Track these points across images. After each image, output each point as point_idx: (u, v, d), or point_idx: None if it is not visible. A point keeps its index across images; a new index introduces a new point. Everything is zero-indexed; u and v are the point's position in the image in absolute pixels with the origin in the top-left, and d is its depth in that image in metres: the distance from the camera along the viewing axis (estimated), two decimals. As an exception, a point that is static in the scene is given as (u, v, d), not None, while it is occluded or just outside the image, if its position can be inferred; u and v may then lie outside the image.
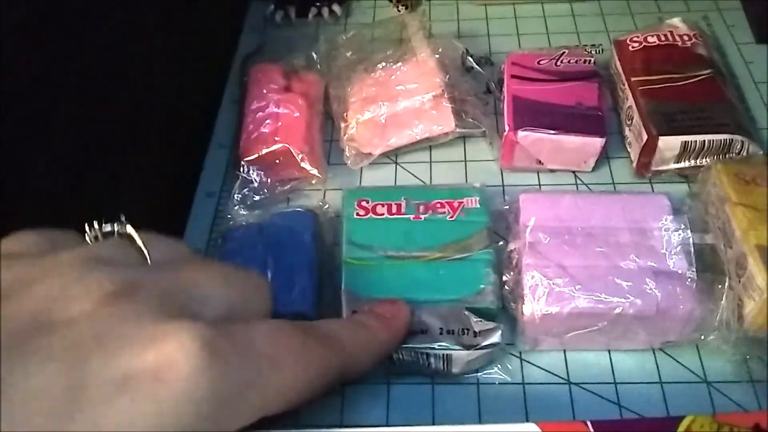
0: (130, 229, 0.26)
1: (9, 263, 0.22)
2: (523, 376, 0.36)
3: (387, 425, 0.35)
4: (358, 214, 0.40)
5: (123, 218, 0.26)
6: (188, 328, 0.20)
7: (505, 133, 0.43)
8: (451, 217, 0.39)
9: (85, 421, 0.18)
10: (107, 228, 0.26)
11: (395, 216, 0.40)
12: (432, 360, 0.34)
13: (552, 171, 0.45)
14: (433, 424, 0.35)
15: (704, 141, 0.40)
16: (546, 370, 0.36)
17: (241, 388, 0.21)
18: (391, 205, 0.40)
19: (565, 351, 0.37)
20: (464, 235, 0.38)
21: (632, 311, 0.34)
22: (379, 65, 0.48)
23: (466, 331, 0.34)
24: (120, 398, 0.19)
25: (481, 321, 0.35)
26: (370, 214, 0.40)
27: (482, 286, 0.36)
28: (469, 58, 0.50)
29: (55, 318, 0.20)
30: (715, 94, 0.43)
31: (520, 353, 0.37)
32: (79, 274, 0.21)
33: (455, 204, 0.40)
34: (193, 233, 0.45)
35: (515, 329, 0.36)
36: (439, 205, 0.40)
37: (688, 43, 0.46)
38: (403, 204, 0.40)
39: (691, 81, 0.43)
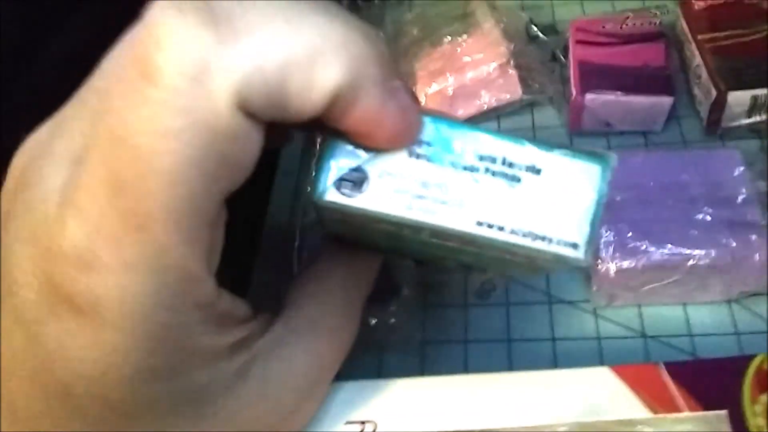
0: None
1: None
2: (598, 332, 0.37)
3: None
4: None
5: None
6: None
7: (573, 97, 0.44)
8: None
9: None
10: None
11: None
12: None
13: (621, 133, 0.45)
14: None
15: (775, 94, 0.40)
16: (621, 325, 0.37)
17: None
18: None
19: (640, 306, 0.38)
20: None
21: (707, 261, 0.34)
22: (444, 39, 0.49)
23: None
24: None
25: None
26: None
27: None
28: (534, 27, 0.51)
29: None
30: (785, 47, 0.42)
31: (595, 309, 0.38)
32: None
33: None
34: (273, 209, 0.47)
35: (590, 285, 0.37)
36: None
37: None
38: None
39: (758, 36, 0.43)
